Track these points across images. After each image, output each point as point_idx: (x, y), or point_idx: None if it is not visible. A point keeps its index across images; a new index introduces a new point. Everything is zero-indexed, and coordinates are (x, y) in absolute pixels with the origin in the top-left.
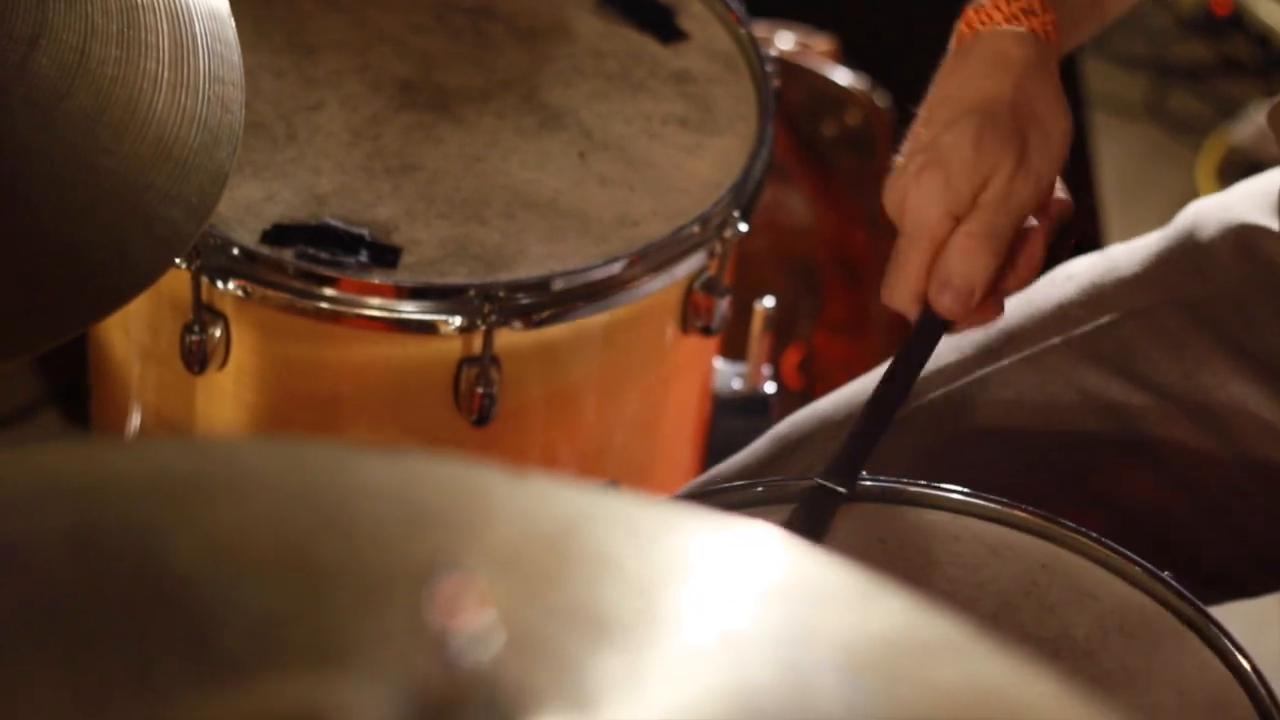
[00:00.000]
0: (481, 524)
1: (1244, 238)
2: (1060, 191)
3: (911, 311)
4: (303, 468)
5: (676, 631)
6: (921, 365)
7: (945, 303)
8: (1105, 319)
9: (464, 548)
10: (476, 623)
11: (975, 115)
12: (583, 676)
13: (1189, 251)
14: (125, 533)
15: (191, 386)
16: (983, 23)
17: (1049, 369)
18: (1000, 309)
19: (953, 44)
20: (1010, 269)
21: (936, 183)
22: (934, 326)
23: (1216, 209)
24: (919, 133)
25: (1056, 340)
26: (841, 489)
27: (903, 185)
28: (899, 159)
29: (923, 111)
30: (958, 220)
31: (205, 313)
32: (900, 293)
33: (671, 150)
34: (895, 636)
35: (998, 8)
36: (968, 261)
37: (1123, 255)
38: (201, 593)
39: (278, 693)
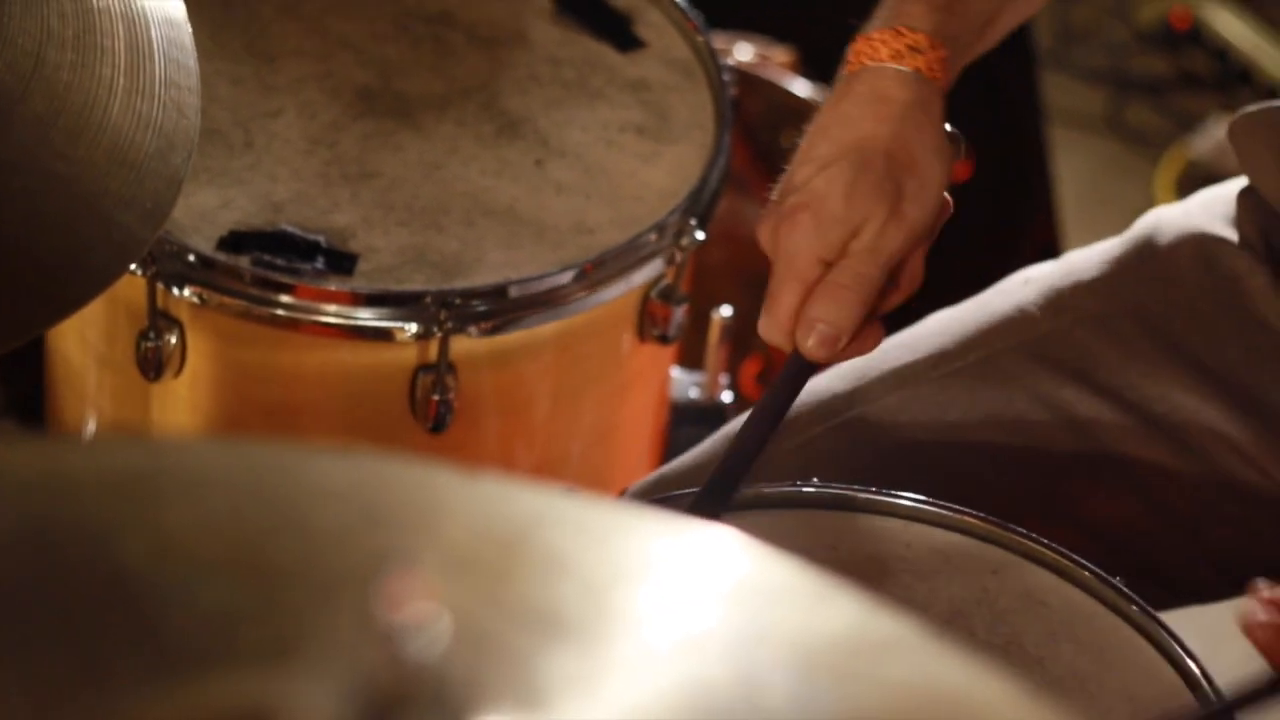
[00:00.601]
0: (434, 523)
1: (1203, 248)
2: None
3: (785, 347)
4: (256, 467)
5: (629, 631)
6: (793, 397)
7: (810, 345)
8: (1062, 324)
9: (416, 546)
10: (424, 617)
11: (849, 162)
12: (534, 675)
13: (1147, 259)
14: (79, 530)
15: (147, 393)
16: (870, 56)
17: (1005, 374)
18: (879, 337)
19: (841, 72)
20: (892, 288)
21: (807, 227)
22: (804, 364)
23: (1176, 217)
24: (795, 169)
25: (1013, 344)
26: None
27: (774, 223)
28: (774, 192)
29: (804, 141)
30: (827, 265)
31: (161, 319)
32: (772, 330)
33: (628, 158)
34: (848, 636)
35: (885, 42)
36: (834, 308)
37: (1081, 260)
38: (154, 590)
39: (228, 689)
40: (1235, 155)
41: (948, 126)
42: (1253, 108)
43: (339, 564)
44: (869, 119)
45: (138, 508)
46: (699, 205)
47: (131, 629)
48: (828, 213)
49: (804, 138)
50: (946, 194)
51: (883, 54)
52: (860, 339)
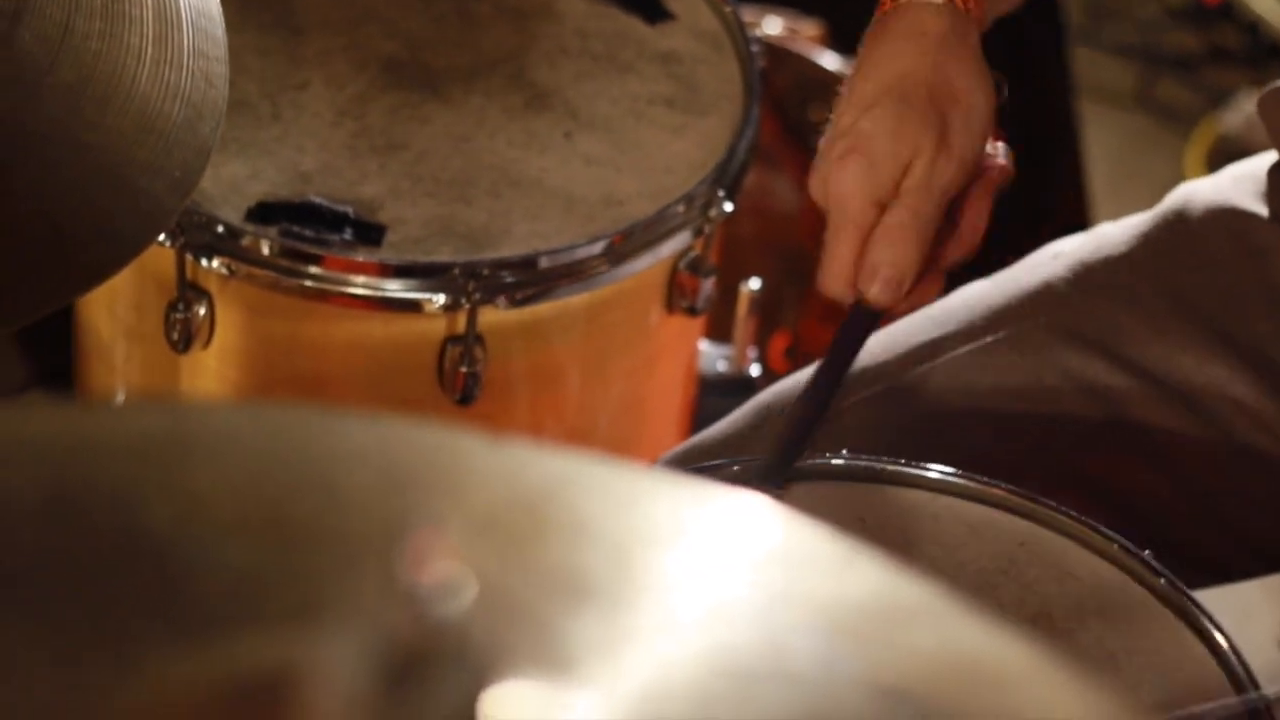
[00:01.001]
0: (459, 486)
1: (1233, 223)
2: (1001, 156)
3: (847, 299)
4: (281, 430)
5: (655, 596)
6: (856, 352)
7: (874, 292)
8: (1091, 298)
9: (441, 508)
10: (448, 578)
11: (892, 99)
12: (559, 638)
13: (1177, 233)
14: (102, 492)
15: (176, 365)
16: None
17: (1034, 347)
18: (940, 284)
19: (876, 14)
20: (952, 238)
21: (857, 170)
22: (867, 314)
23: (1207, 191)
24: (840, 115)
25: (1042, 318)
26: (776, 487)
27: (824, 170)
28: (822, 142)
29: (845, 87)
30: (882, 207)
31: (190, 290)
32: (832, 282)
33: (657, 130)
34: (874, 601)
35: None
36: (893, 250)
37: (1111, 235)
38: (180, 552)
39: (253, 649)
40: (1265, 130)
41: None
42: None
43: (364, 525)
44: (907, 54)
45: (163, 470)
46: (727, 176)
47: (157, 590)
48: (876, 152)
49: (845, 82)
50: (1001, 145)
51: None
52: (922, 287)
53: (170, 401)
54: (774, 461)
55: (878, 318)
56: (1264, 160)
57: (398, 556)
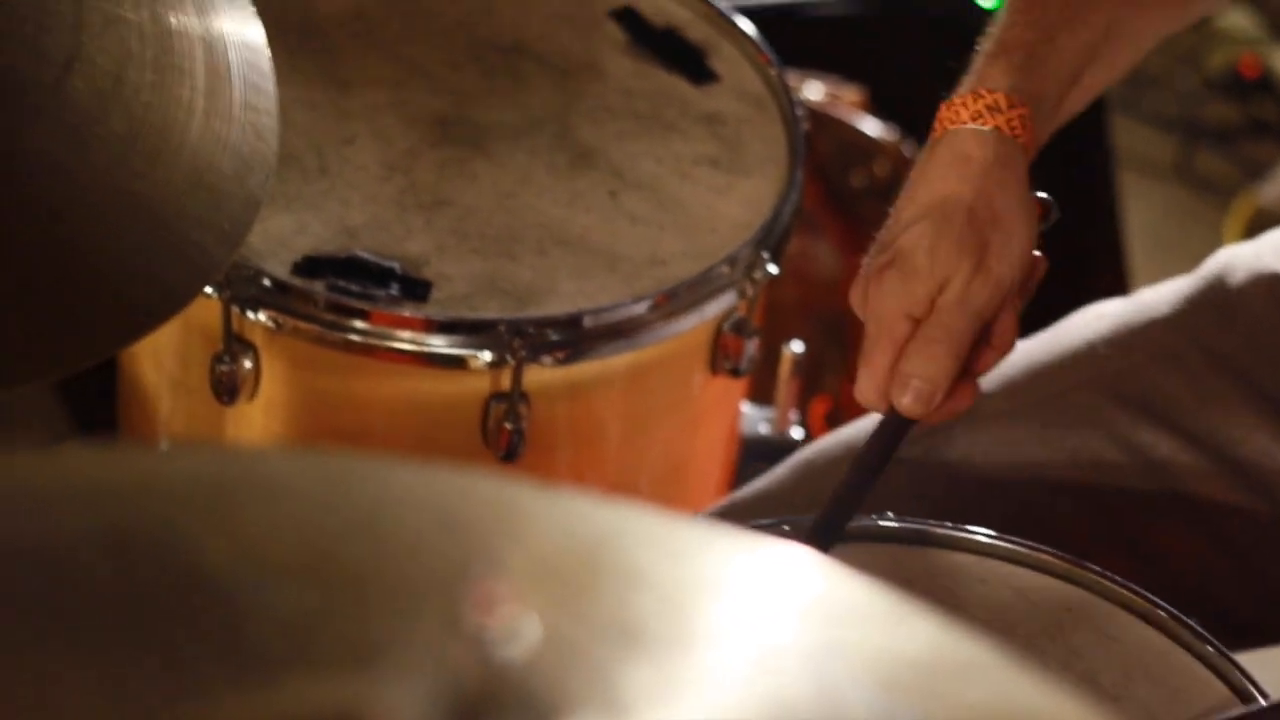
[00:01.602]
0: (514, 535)
1: (1274, 287)
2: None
3: (880, 409)
4: (332, 476)
5: (709, 645)
6: (888, 459)
7: (906, 403)
8: (1133, 360)
9: (498, 554)
10: (511, 621)
11: (932, 219)
12: (616, 684)
13: (1218, 297)
14: (159, 534)
15: (221, 418)
16: (951, 120)
17: (1077, 410)
18: (974, 393)
19: (928, 140)
20: (985, 346)
21: (894, 284)
22: (900, 422)
23: (1248, 256)
24: (884, 232)
25: (1085, 380)
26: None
27: (864, 284)
28: (866, 258)
29: (894, 208)
30: (916, 322)
31: (236, 343)
32: (866, 391)
33: (702, 190)
34: (927, 656)
35: (964, 105)
36: (926, 364)
37: (1152, 298)
38: (234, 593)
39: (312, 691)
40: None
41: (1040, 194)
42: None
43: (420, 571)
44: (951, 178)
45: (218, 514)
46: (772, 238)
47: (215, 632)
48: (911, 269)
49: (894, 205)
50: (1037, 252)
51: (963, 116)
52: (955, 397)
53: (223, 447)
54: (820, 528)
55: (910, 425)
56: None
57: (460, 600)
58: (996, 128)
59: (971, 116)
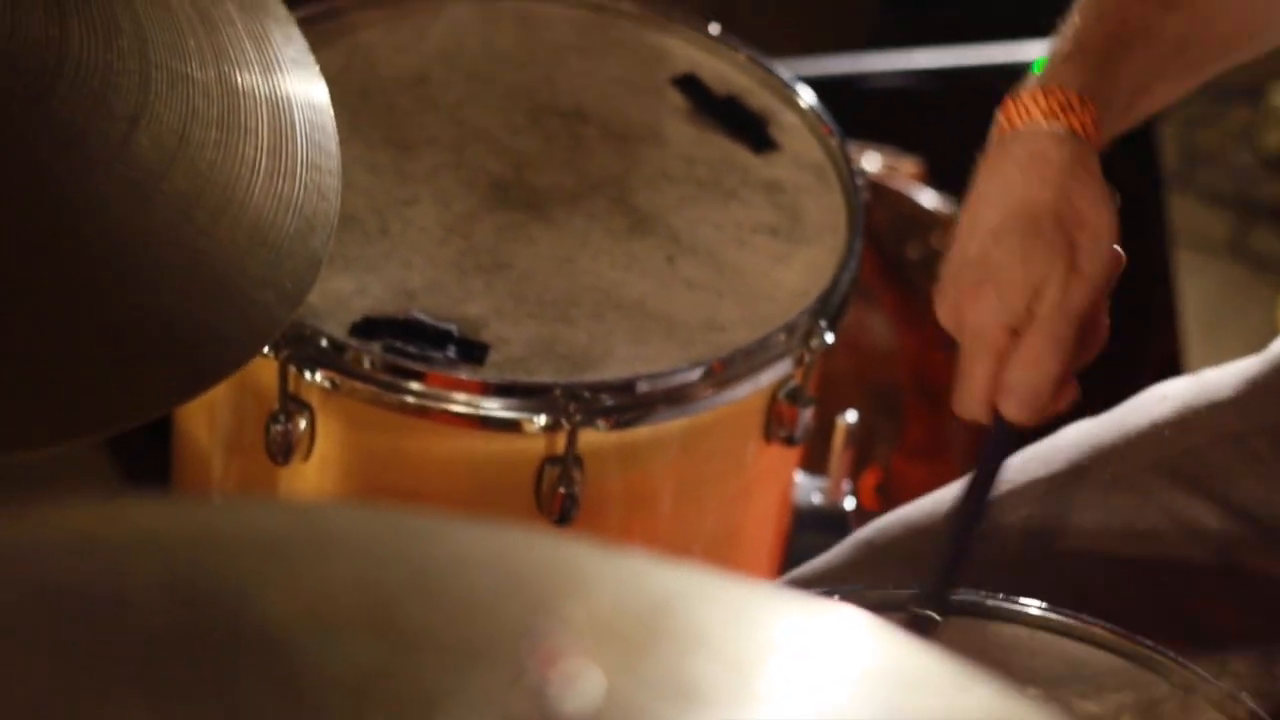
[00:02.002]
0: (574, 593)
1: None
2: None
3: (984, 419)
4: (391, 532)
5: (769, 709)
6: (998, 470)
7: (1014, 410)
8: (1197, 442)
9: (557, 613)
10: (576, 675)
11: (1020, 226)
12: None
13: None
14: (219, 587)
15: (275, 478)
16: (1021, 117)
17: (1140, 490)
18: (1075, 393)
19: (992, 135)
20: (1080, 346)
21: (991, 299)
22: (1008, 431)
23: None
24: (965, 241)
25: (1148, 461)
26: (935, 615)
27: (955, 298)
28: (947, 267)
29: (966, 210)
30: (1016, 332)
31: (291, 403)
32: (969, 404)
33: (760, 258)
34: None
35: (1035, 102)
36: (1033, 371)
37: (1216, 379)
38: (293, 648)
39: None
40: None
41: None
42: None
43: (478, 628)
44: (1031, 182)
45: (275, 567)
46: (829, 307)
47: (271, 686)
48: (1007, 281)
49: (963, 206)
50: (1117, 246)
51: (1035, 113)
52: (1057, 397)
53: (282, 501)
54: (931, 589)
55: (1018, 434)
56: None
57: (520, 657)
58: (1070, 127)
59: (1044, 114)
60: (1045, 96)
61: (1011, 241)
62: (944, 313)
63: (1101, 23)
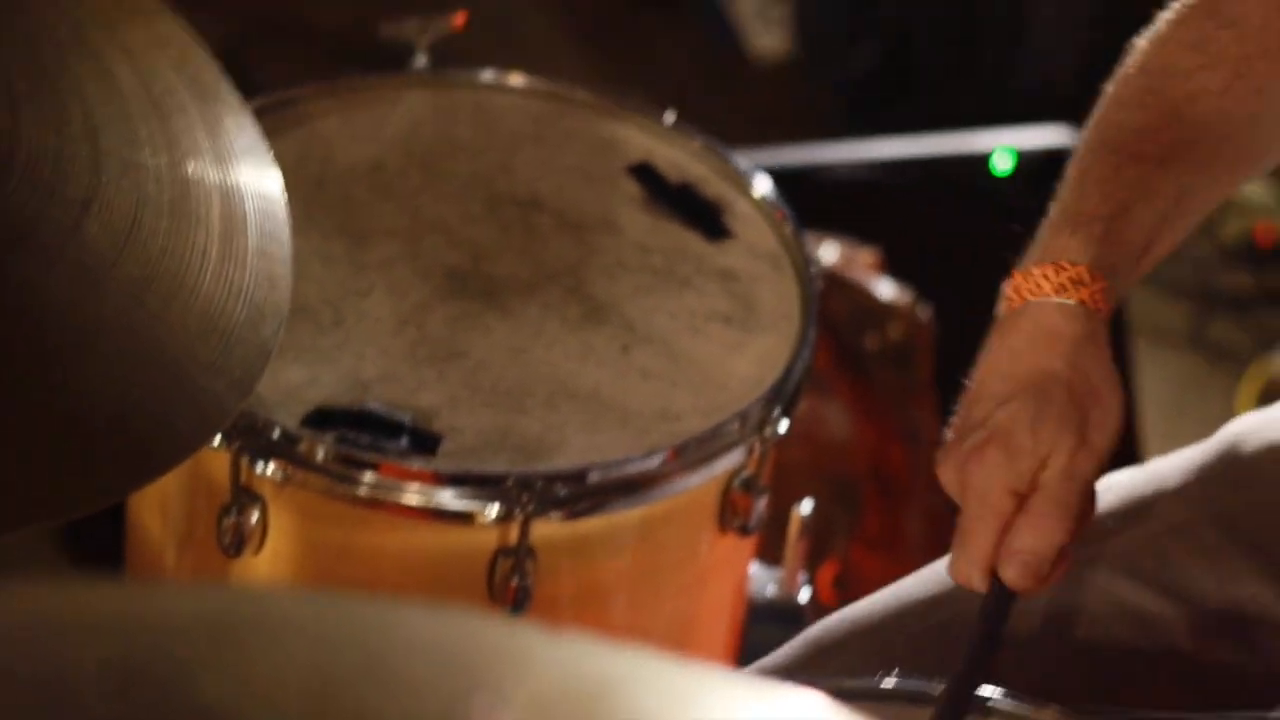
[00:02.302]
0: (517, 675)
1: None
2: None
3: (980, 586)
4: (337, 617)
5: None
6: (998, 635)
7: (1015, 576)
8: (1143, 532)
9: (500, 694)
10: None
11: (1030, 394)
12: None
13: (1230, 466)
14: (161, 670)
15: (226, 570)
16: (1031, 292)
17: (1084, 580)
18: (1069, 563)
19: (1000, 309)
20: None
21: (997, 461)
22: (1006, 595)
23: (1260, 424)
24: (972, 407)
25: (1092, 551)
26: None
27: (959, 461)
28: (949, 432)
29: (973, 381)
30: (1020, 497)
31: (243, 495)
32: (968, 568)
33: (714, 346)
34: None
35: (1046, 277)
36: (1037, 538)
37: (1163, 468)
38: None
39: None
40: None
41: None
42: None
43: (422, 711)
44: (1041, 354)
45: (218, 651)
46: (783, 395)
47: None
48: (1015, 445)
49: (971, 377)
50: None
51: (1046, 288)
52: (1055, 567)
53: (228, 586)
54: None
55: (1015, 598)
56: None
57: None
58: (1081, 302)
59: (1055, 289)
60: (1056, 272)
61: (1022, 407)
62: (946, 473)
63: (1100, 189)
